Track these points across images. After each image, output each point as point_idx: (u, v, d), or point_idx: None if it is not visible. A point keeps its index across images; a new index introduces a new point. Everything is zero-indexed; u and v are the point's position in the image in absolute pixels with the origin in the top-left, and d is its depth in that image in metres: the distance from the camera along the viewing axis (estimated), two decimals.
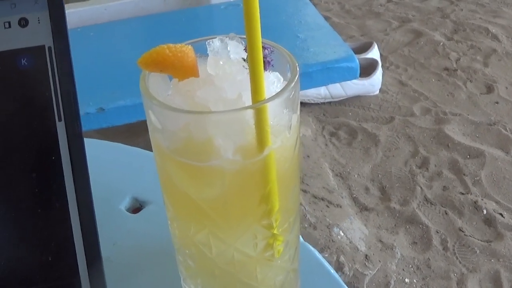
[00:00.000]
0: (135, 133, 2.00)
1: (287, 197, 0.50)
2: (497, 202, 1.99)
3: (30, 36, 0.49)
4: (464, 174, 2.10)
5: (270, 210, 0.48)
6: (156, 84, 0.49)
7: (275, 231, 0.49)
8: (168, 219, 0.55)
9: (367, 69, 2.44)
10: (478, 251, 1.84)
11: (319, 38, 1.58)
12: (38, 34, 0.49)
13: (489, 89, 2.54)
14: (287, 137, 0.48)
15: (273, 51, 0.49)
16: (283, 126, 0.48)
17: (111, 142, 0.78)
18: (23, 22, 0.50)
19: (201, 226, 0.49)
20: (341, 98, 2.43)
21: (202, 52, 0.50)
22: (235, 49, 0.50)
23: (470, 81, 2.60)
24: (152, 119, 0.48)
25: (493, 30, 2.94)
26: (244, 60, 0.48)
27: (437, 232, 1.91)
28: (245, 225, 0.49)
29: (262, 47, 0.45)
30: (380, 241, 1.89)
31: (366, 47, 2.51)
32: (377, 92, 2.50)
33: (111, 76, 1.52)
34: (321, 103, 2.44)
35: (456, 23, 3.04)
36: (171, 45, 0.47)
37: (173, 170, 0.49)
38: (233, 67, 0.48)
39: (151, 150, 0.52)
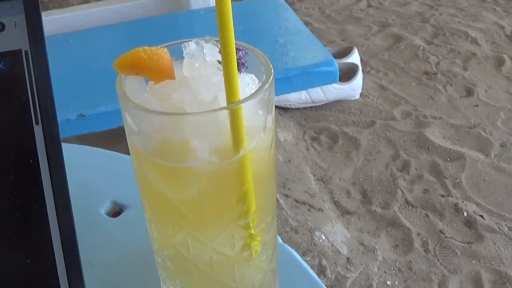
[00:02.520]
0: (116, 139, 1.99)
1: (263, 197, 0.51)
2: (477, 204, 2.01)
3: (6, 40, 0.49)
4: (445, 177, 2.12)
5: (247, 211, 0.48)
6: (132, 87, 0.49)
7: (252, 231, 0.50)
8: (146, 221, 0.55)
9: (348, 74, 2.46)
10: (459, 253, 1.85)
11: (299, 43, 1.59)
12: (15, 38, 0.49)
13: (469, 92, 2.57)
14: (263, 138, 0.49)
15: (247, 53, 0.50)
16: (258, 127, 0.48)
17: (91, 147, 0.78)
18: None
19: (178, 227, 0.50)
20: (322, 103, 2.44)
21: (178, 55, 0.50)
22: (211, 52, 0.50)
23: (450, 84, 2.62)
24: (128, 121, 0.48)
25: (473, 34, 2.97)
26: (220, 62, 0.48)
27: (418, 234, 1.92)
28: (222, 225, 0.49)
29: (236, 49, 0.45)
30: (362, 244, 1.89)
31: (346, 52, 2.53)
32: (358, 96, 2.51)
33: (91, 83, 1.52)
34: (302, 108, 2.45)
35: (435, 27, 3.06)
36: (146, 47, 0.47)
37: (150, 172, 0.50)
38: (209, 69, 0.49)
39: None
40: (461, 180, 2.10)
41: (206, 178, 0.47)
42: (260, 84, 0.49)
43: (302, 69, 1.46)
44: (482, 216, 1.97)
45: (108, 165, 0.78)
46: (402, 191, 2.07)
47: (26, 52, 0.50)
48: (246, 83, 0.48)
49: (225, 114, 0.45)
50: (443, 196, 2.04)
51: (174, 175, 0.48)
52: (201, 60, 0.50)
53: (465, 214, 1.98)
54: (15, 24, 0.50)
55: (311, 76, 1.42)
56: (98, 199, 0.73)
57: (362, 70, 2.51)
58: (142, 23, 1.70)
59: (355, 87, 2.45)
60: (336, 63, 1.52)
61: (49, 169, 0.49)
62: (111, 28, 1.70)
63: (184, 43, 0.51)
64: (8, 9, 0.50)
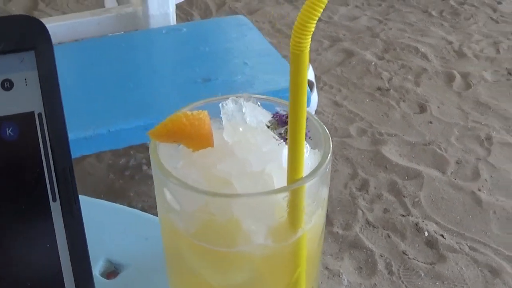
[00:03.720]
0: (115, 192, 1.93)
1: (314, 276, 0.48)
2: (437, 223, 2.00)
3: (15, 101, 0.42)
4: (404, 196, 2.10)
5: None
6: (166, 155, 0.45)
7: None
8: None
9: None
10: (422, 274, 1.83)
11: (268, 65, 1.54)
12: (26, 99, 0.41)
13: (422, 108, 2.57)
14: (320, 214, 0.45)
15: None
16: (317, 204, 0.45)
17: (80, 195, 0.70)
18: (7, 85, 0.42)
19: None
20: None
21: (211, 114, 0.46)
22: (252, 112, 0.47)
23: (403, 100, 2.62)
24: (168, 198, 0.44)
25: (422, 49, 2.99)
26: (268, 127, 0.46)
27: (381, 256, 1.90)
28: None
29: None
30: (327, 268, 1.85)
31: None
32: (313, 113, 2.48)
33: None
34: None
35: (386, 42, 3.07)
36: (188, 112, 0.44)
37: (189, 254, 0.45)
38: (257, 136, 0.46)
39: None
40: (420, 199, 2.09)
41: (258, 263, 0.44)
42: (313, 151, 0.46)
43: (274, 93, 1.42)
44: (442, 236, 1.96)
45: (101, 217, 0.70)
46: (362, 211, 2.04)
47: (39, 114, 0.42)
48: None
49: (286, 194, 0.42)
50: (403, 215, 2.02)
51: (220, 259, 0.44)
52: (241, 121, 0.47)
53: (426, 233, 1.96)
54: (25, 81, 0.42)
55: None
56: (91, 257, 0.65)
57: (316, 86, 2.48)
58: (100, 42, 1.62)
59: (310, 104, 2.42)
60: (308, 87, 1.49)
61: (69, 253, 0.42)
62: (67, 47, 1.62)
63: (222, 102, 0.47)
64: (17, 62, 0.42)
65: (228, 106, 0.47)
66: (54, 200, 0.43)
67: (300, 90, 0.38)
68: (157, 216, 0.49)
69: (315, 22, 0.33)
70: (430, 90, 2.69)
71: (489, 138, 2.39)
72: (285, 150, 0.43)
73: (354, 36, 3.10)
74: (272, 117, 0.45)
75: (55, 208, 0.42)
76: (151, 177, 0.61)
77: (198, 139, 0.44)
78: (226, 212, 0.41)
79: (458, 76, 2.78)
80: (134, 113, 1.30)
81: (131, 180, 2.13)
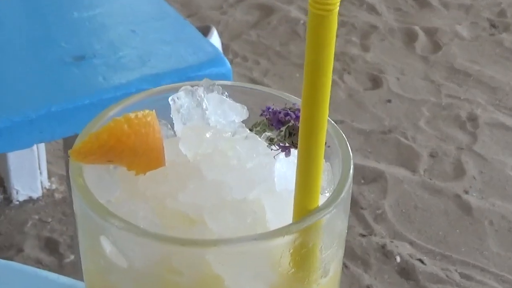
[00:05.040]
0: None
1: None
2: (411, 244, 2.02)
3: None
4: (362, 207, 2.11)
5: None
6: (95, 183, 0.45)
7: None
8: None
9: None
10: None
11: (165, 33, 1.51)
12: None
13: (375, 82, 2.61)
14: (339, 258, 0.47)
15: None
16: (337, 245, 0.46)
17: None
18: None
19: None
20: None
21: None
22: (217, 107, 0.48)
23: (348, 72, 2.65)
24: (108, 252, 0.43)
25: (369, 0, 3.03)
26: (253, 130, 0.47)
27: None
28: None
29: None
30: None
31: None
32: None
33: None
34: None
35: None
36: (130, 115, 0.44)
37: None
38: (236, 144, 0.46)
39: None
40: (384, 210, 2.10)
41: None
42: (326, 164, 0.47)
43: (181, 73, 1.39)
44: (421, 261, 1.99)
45: None
46: None
47: None
48: None
49: (294, 235, 0.41)
50: (364, 235, 2.03)
51: None
52: (202, 123, 0.48)
53: (398, 259, 1.98)
54: None
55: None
56: None
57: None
58: None
59: None
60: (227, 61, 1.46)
61: None
62: None
63: (172, 96, 0.48)
64: None
65: (181, 100, 0.47)
66: None
67: (323, 71, 0.37)
68: (83, 280, 0.47)
69: None
70: (385, 55, 2.73)
71: (473, 119, 2.44)
72: (282, 165, 0.44)
73: None
74: (262, 114, 0.46)
75: None
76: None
77: (145, 156, 0.44)
78: (200, 268, 0.41)
79: (421, 34, 2.83)
80: None
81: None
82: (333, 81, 2.11)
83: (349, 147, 0.46)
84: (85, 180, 0.44)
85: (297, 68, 2.62)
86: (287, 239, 0.41)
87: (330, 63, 0.37)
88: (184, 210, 0.43)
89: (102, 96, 1.32)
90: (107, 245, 0.43)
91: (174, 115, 0.47)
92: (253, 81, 2.56)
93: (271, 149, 0.44)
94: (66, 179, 2.01)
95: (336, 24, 0.36)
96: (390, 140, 2.33)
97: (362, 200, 2.13)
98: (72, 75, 1.35)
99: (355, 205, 2.10)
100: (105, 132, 0.42)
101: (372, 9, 2.98)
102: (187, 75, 1.39)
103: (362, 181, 2.19)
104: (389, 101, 2.50)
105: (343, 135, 0.46)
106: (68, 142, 1.46)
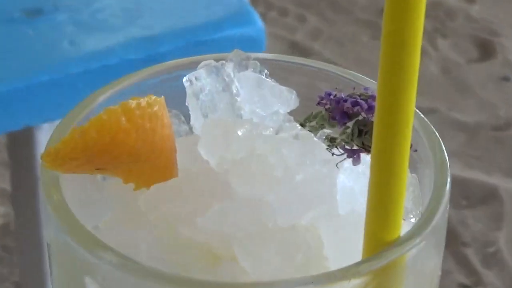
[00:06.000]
0: None
1: None
2: None
3: None
4: (464, 243, 2.06)
5: None
6: (75, 201, 0.44)
7: None
8: None
9: None
10: None
11: None
12: None
13: (485, 50, 2.57)
14: None
15: None
16: None
17: None
18: None
19: None
20: None
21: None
22: (254, 93, 0.48)
23: (443, 35, 2.61)
24: None
25: None
26: (305, 125, 0.46)
27: None
28: None
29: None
30: None
31: None
32: None
33: None
34: None
35: None
36: (129, 103, 0.42)
37: None
38: (281, 146, 0.45)
39: None
40: (499, 248, 2.02)
41: None
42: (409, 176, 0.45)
43: (187, 36, 1.38)
44: None
45: None
46: None
47: None
48: None
49: (364, 278, 0.40)
50: (467, 286, 1.96)
51: None
52: (232, 115, 0.48)
53: None
54: None
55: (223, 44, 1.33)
56: None
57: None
58: None
59: None
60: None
61: None
62: None
63: (187, 76, 0.47)
64: None
65: (201, 82, 0.46)
66: None
67: (410, 42, 0.35)
68: None
69: None
70: (499, 8, 2.66)
71: None
72: (348, 176, 0.43)
73: None
74: (319, 103, 0.44)
75: None
76: None
77: (149, 162, 0.43)
78: None
79: None
80: None
81: None
82: (421, 49, 2.09)
83: (445, 152, 0.44)
84: (63, 197, 0.43)
85: (364, 27, 2.59)
86: (354, 284, 0.39)
87: (419, 31, 0.35)
88: (204, 241, 0.42)
89: (68, 69, 1.18)
90: None
91: (190, 103, 0.46)
92: (297, 47, 2.53)
93: (333, 154, 0.44)
94: (9, 197, 1.80)
95: None
96: (507, 140, 2.28)
97: (464, 231, 2.08)
98: (23, 38, 1.31)
99: (453, 240, 2.06)
100: (93, 128, 0.41)
101: None
102: (197, 39, 1.35)
103: (465, 203, 2.15)
104: (506, 78, 2.45)
105: (436, 133, 0.45)
106: (16, 140, 1.29)
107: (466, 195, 2.06)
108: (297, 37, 2.42)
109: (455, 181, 2.03)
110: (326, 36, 2.46)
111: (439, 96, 2.32)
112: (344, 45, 2.48)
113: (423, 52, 2.40)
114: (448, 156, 0.44)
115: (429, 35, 2.43)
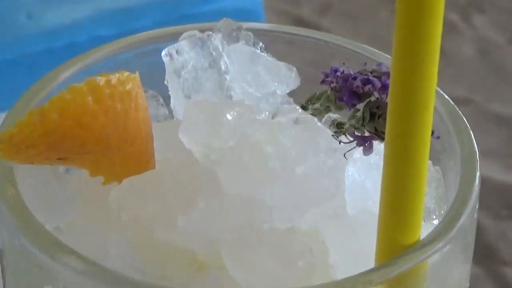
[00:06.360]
0: None
1: None
2: None
3: None
4: (503, 261, 2.04)
5: None
6: (36, 199, 0.44)
7: None
8: None
9: None
10: None
11: None
12: None
13: None
14: None
15: None
16: None
17: None
18: None
19: None
20: None
21: None
22: (247, 70, 0.48)
23: (480, 10, 2.59)
24: None
25: None
26: (307, 108, 0.46)
27: None
28: None
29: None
30: None
31: None
32: None
33: None
34: None
35: None
36: (97, 80, 0.42)
37: None
38: (280, 132, 0.44)
39: None
40: None
41: None
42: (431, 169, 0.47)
43: (170, 5, 1.38)
44: None
45: None
46: None
47: None
48: None
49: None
50: None
51: None
52: (219, 96, 0.48)
53: None
54: None
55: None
56: None
57: None
58: None
59: None
60: None
61: None
62: None
63: (167, 49, 0.47)
64: None
65: (184, 56, 0.47)
66: None
67: (430, 11, 0.34)
68: None
69: None
70: None
71: None
72: (357, 169, 0.43)
73: None
74: (324, 81, 0.43)
75: None
76: None
77: (121, 150, 0.43)
78: None
79: None
80: None
81: None
82: (452, 25, 2.08)
83: (474, 141, 0.43)
84: (19, 192, 0.42)
85: (383, 0, 2.58)
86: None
87: None
88: (186, 245, 0.41)
89: (25, 48, 1.17)
90: None
91: (170, 81, 0.46)
92: (302, 23, 2.52)
93: (340, 142, 0.43)
94: None
95: None
96: None
97: (503, 247, 2.06)
98: None
99: (492, 257, 2.03)
100: (54, 109, 0.40)
101: None
102: (180, 12, 1.36)
103: (505, 213, 2.12)
104: None
105: (464, 119, 0.44)
106: None
107: (508, 203, 2.03)
108: (303, 11, 2.41)
109: (494, 186, 2.00)
110: (336, 11, 2.45)
111: (474, 84, 2.30)
112: (358, 21, 2.47)
113: (455, 30, 2.38)
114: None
115: (462, 10, 2.41)
